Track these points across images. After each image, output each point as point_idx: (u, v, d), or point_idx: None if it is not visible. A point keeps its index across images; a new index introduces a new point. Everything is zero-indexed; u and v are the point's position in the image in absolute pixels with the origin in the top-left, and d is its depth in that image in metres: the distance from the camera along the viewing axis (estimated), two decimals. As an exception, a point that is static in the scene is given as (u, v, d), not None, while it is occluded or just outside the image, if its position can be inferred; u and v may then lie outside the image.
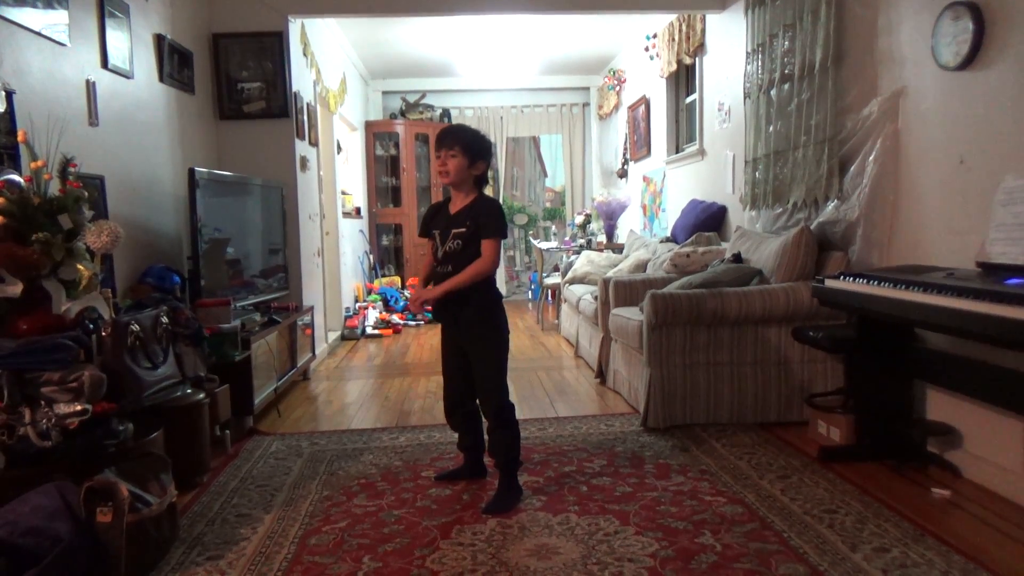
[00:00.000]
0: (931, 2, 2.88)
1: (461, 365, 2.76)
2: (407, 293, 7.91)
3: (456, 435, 2.94)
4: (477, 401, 2.78)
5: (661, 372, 3.49)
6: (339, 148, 7.16)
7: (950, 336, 2.68)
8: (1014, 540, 2.27)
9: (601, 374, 4.59)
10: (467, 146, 2.63)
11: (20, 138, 2.46)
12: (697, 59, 5.52)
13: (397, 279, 8.33)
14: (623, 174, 8.05)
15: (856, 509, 2.48)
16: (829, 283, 2.96)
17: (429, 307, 2.75)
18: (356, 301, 7.47)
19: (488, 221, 2.63)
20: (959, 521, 2.42)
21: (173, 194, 3.97)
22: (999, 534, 2.31)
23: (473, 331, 2.70)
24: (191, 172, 3.51)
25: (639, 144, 7.26)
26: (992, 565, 2.08)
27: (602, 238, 7.38)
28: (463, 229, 2.64)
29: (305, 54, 5.29)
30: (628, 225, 7.39)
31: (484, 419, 2.77)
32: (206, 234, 3.60)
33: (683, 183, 6.00)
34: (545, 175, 10.21)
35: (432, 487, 2.83)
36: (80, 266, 2.42)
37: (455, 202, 2.72)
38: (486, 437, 2.79)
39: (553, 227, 9.72)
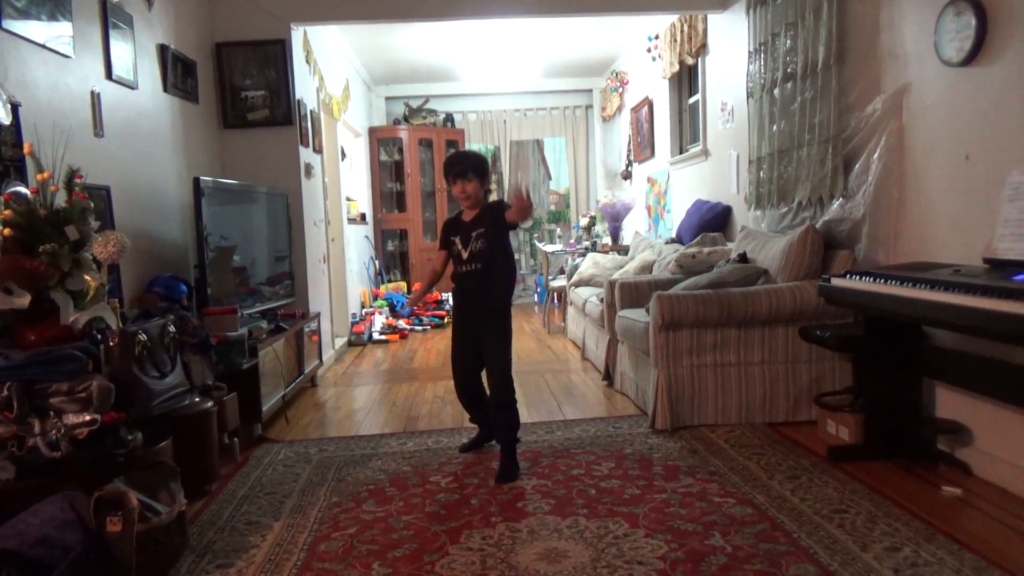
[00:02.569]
0: (933, -2, 2.87)
1: (470, 353, 3.22)
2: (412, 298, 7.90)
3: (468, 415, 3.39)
4: (481, 378, 3.26)
5: (668, 373, 3.49)
6: (343, 154, 7.18)
7: (958, 333, 2.67)
8: (1026, 538, 2.26)
9: (608, 376, 4.58)
10: (478, 171, 3.15)
11: (26, 150, 2.47)
12: (699, 59, 5.51)
13: (403, 284, 8.34)
14: (627, 175, 8.05)
15: (866, 508, 2.47)
16: (835, 282, 2.95)
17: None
18: (362, 307, 7.49)
19: (502, 206, 3.13)
20: (970, 519, 2.40)
21: (179, 203, 3.99)
22: (1011, 532, 2.30)
23: (497, 325, 3.13)
24: (196, 181, 3.53)
25: (643, 145, 7.25)
26: (1004, 563, 2.06)
27: (607, 240, 7.37)
28: (483, 230, 3.11)
29: (308, 61, 5.31)
30: (633, 226, 7.39)
31: (491, 399, 3.16)
32: (212, 242, 3.61)
33: (687, 184, 5.99)
34: (549, 178, 10.21)
35: (440, 492, 2.83)
36: (87, 276, 2.43)
37: (467, 213, 3.19)
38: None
39: (558, 230, 9.70)
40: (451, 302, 3.53)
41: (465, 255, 3.13)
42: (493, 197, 9.39)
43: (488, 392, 3.20)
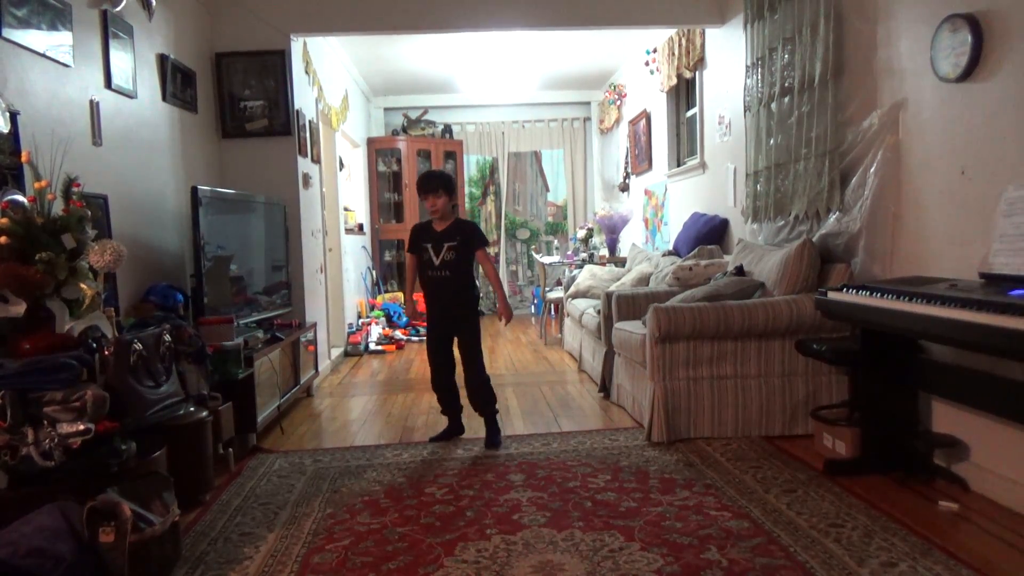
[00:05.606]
0: (929, 15, 2.89)
1: (446, 348, 3.71)
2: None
3: (438, 404, 3.83)
4: (455, 375, 3.75)
5: (665, 386, 3.48)
6: (341, 165, 7.19)
7: (955, 347, 2.67)
8: (1023, 553, 2.25)
9: (605, 388, 4.58)
10: (446, 188, 3.61)
11: (24, 158, 2.47)
12: (697, 73, 5.54)
13: (400, 295, 8.33)
14: (625, 188, 8.07)
15: (863, 523, 2.47)
16: (832, 295, 2.95)
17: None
18: (359, 317, 7.48)
19: (476, 236, 3.67)
20: (967, 534, 2.40)
21: (176, 212, 3.99)
22: (1008, 547, 2.29)
23: (468, 320, 3.69)
24: (194, 190, 3.53)
25: (640, 158, 7.28)
26: (1001, 579, 2.06)
27: (604, 252, 7.38)
28: (455, 242, 3.59)
29: (307, 72, 5.33)
30: (630, 239, 7.40)
31: (469, 382, 3.68)
32: (209, 252, 3.61)
33: (685, 196, 6.00)
34: (547, 189, 10.24)
35: (436, 504, 2.81)
36: (83, 285, 2.43)
37: (438, 224, 3.65)
38: (462, 403, 3.78)
39: (555, 241, 9.73)
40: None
41: (436, 262, 3.60)
42: (490, 205, 9.49)
43: (466, 384, 3.71)
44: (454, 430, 3.77)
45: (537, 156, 10.11)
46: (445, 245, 3.58)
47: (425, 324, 7.59)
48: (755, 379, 3.50)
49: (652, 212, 6.93)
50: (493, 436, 3.60)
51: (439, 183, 3.62)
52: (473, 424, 3.83)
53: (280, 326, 4.40)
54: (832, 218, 3.56)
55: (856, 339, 3.10)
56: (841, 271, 3.45)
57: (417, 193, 3.77)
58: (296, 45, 5.01)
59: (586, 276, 5.98)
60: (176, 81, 4.10)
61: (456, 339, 3.71)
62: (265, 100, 4.82)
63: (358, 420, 4.27)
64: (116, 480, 2.23)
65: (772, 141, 4.05)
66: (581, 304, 5.51)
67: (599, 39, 6.78)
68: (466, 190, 9.27)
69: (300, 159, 5.06)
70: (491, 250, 9.25)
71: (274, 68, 4.82)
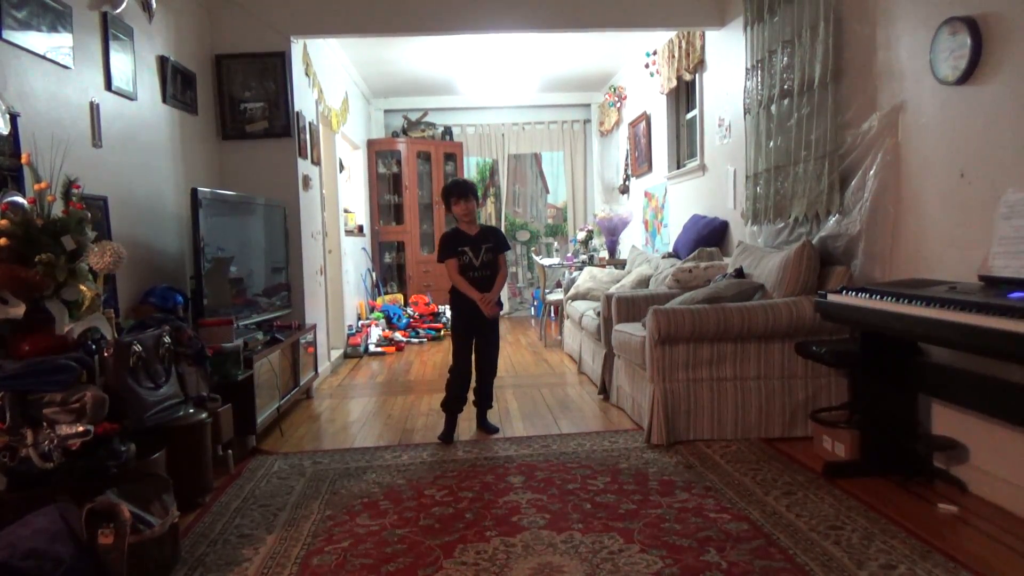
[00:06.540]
0: (928, 18, 2.90)
1: (472, 346, 3.90)
2: (410, 310, 7.92)
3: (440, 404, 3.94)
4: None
5: (664, 388, 3.48)
6: (341, 166, 7.20)
7: (954, 350, 2.67)
8: (1022, 556, 2.25)
9: (604, 390, 4.58)
10: (476, 195, 3.95)
11: (24, 160, 2.47)
12: (697, 75, 5.55)
13: (400, 296, 8.34)
14: (625, 190, 8.07)
15: (862, 525, 2.47)
16: (832, 297, 2.95)
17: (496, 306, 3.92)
18: (359, 319, 7.48)
19: (503, 241, 4.02)
20: (966, 537, 2.40)
21: (176, 214, 3.99)
22: (1007, 550, 2.29)
23: (495, 320, 3.92)
24: (194, 192, 3.53)
25: (640, 160, 7.28)
26: (1001, 582, 2.06)
27: (604, 254, 7.38)
28: (490, 244, 3.91)
29: (307, 74, 5.33)
30: (630, 241, 7.40)
31: (487, 376, 3.94)
32: (209, 253, 3.61)
33: (685, 198, 6.01)
34: (547, 191, 10.24)
35: (435, 506, 2.81)
36: (83, 287, 2.43)
37: (470, 228, 3.92)
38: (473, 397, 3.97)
39: (555, 243, 9.72)
40: (453, 305, 3.99)
41: (477, 263, 3.86)
42: (490, 207, 9.49)
43: (484, 378, 3.95)
44: (452, 433, 3.81)
45: (537, 158, 10.11)
46: (483, 247, 3.87)
47: (425, 326, 7.67)
48: (754, 381, 3.50)
49: (652, 214, 6.93)
50: (492, 424, 3.96)
51: (470, 190, 3.91)
52: (462, 425, 3.92)
53: (280, 328, 4.40)
54: (832, 220, 3.56)
55: (855, 341, 3.10)
56: (841, 273, 3.45)
57: (445, 198, 3.96)
58: (296, 47, 5.02)
59: (586, 278, 5.98)
60: (176, 83, 4.11)
61: (477, 337, 3.90)
62: (265, 102, 4.83)
63: (357, 422, 4.27)
64: (115, 482, 2.23)
65: (772, 143, 4.05)
66: (581, 306, 5.51)
67: (599, 41, 6.79)
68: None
69: (300, 161, 5.07)
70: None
71: (274, 70, 4.83)
